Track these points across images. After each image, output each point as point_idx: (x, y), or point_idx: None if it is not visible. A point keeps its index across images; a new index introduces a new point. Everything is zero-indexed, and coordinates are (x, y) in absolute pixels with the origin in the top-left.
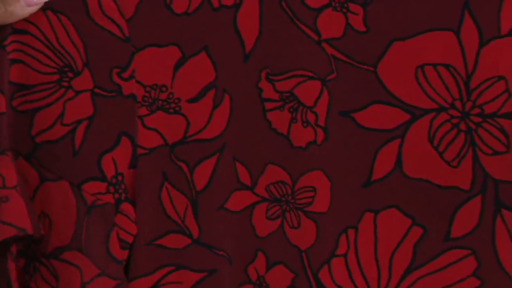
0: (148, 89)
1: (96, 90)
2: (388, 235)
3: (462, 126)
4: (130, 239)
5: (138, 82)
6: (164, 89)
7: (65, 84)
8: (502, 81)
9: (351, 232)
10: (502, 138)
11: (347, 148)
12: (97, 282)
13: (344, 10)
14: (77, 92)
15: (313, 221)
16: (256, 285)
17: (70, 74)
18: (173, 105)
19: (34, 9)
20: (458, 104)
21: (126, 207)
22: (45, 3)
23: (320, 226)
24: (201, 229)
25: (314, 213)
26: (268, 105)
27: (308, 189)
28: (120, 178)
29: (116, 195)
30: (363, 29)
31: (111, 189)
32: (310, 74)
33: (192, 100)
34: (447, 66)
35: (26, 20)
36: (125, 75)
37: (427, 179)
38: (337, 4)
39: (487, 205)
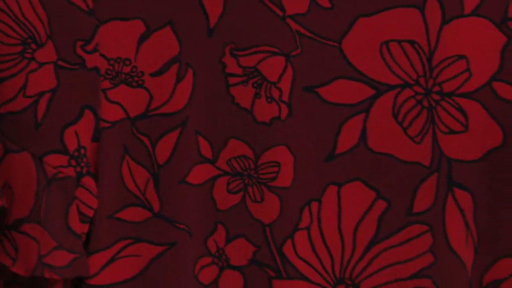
0: (112, 62)
1: (60, 63)
2: (352, 208)
3: (425, 103)
4: (90, 213)
5: (101, 55)
6: (127, 62)
7: (28, 55)
8: (464, 60)
9: (314, 205)
10: (460, 118)
11: (312, 123)
12: (55, 255)
13: None
14: (40, 64)
15: (277, 196)
16: (216, 257)
17: (34, 46)
18: (136, 78)
19: None
20: (422, 80)
21: (87, 180)
22: None
23: (284, 200)
24: (162, 202)
25: (278, 188)
26: (232, 80)
27: (272, 164)
28: (82, 151)
29: (78, 169)
30: (328, 5)
31: (73, 162)
32: (275, 49)
33: (155, 74)
34: (412, 43)
35: None
36: (89, 48)
37: (392, 153)
38: None
39: (441, 183)
